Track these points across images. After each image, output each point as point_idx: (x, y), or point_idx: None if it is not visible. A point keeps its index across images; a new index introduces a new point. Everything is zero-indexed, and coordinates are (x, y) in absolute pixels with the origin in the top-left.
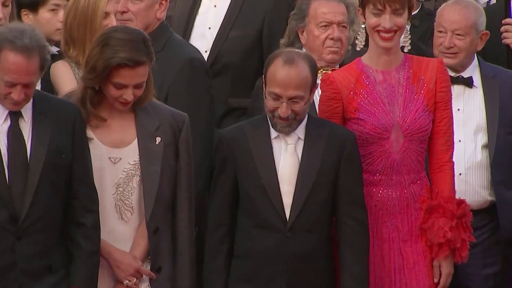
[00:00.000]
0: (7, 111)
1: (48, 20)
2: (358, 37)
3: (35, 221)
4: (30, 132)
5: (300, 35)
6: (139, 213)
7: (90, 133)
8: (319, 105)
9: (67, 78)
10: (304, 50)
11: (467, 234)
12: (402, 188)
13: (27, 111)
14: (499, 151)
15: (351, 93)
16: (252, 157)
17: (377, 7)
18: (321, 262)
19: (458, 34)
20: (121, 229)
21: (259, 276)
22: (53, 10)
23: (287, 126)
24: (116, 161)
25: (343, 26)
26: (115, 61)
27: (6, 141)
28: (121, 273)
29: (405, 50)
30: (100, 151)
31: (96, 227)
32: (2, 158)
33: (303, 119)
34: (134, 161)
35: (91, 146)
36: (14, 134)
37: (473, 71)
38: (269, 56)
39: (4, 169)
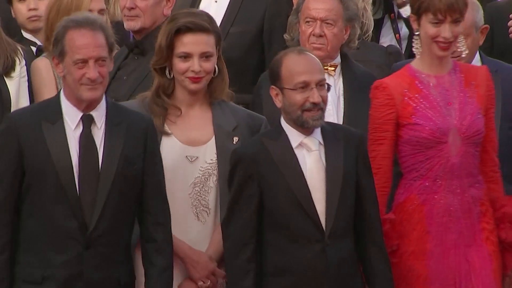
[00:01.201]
0: (79, 116)
1: (20, 10)
2: (413, 45)
3: (104, 232)
4: (103, 140)
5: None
6: (215, 213)
7: (167, 128)
8: (370, 111)
9: (45, 77)
10: None
11: None
12: (463, 193)
13: (100, 117)
14: (501, 145)
15: (406, 98)
16: (279, 170)
17: (438, 17)
18: (355, 265)
19: None
20: (198, 229)
21: None
22: (23, 0)
23: (319, 118)
24: (193, 160)
25: (328, 23)
26: (176, 26)
27: (78, 148)
28: (196, 273)
29: (463, 55)
30: (176, 148)
31: (167, 241)
32: (72, 167)
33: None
34: (212, 159)
35: (167, 141)
36: (87, 141)
37: None
38: (274, 60)
39: (74, 178)
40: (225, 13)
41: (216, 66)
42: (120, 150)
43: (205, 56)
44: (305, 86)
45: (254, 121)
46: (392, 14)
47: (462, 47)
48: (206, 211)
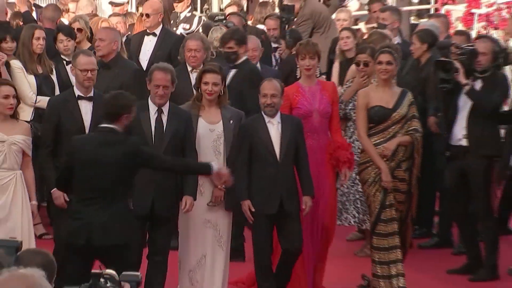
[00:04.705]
0: (156, 108)
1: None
2: (297, 73)
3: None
4: (166, 121)
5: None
6: (223, 155)
7: (201, 115)
8: (282, 102)
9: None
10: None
11: (353, 158)
12: (318, 141)
13: (166, 109)
14: None
15: (294, 96)
16: (259, 133)
17: (302, 55)
18: (295, 182)
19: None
20: (216, 162)
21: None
22: (60, 42)
23: (270, 110)
24: (212, 131)
25: (197, 50)
26: (203, 69)
27: (154, 125)
28: (220, 181)
29: (318, 76)
30: (205, 125)
31: None
32: (152, 134)
33: (278, 110)
34: (221, 130)
35: (200, 122)
36: (159, 121)
37: None
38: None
39: (152, 139)
40: (154, 45)
41: (221, 90)
42: (174, 127)
43: (214, 84)
44: (265, 95)
45: (239, 113)
46: None
47: (318, 72)
48: (219, 154)
